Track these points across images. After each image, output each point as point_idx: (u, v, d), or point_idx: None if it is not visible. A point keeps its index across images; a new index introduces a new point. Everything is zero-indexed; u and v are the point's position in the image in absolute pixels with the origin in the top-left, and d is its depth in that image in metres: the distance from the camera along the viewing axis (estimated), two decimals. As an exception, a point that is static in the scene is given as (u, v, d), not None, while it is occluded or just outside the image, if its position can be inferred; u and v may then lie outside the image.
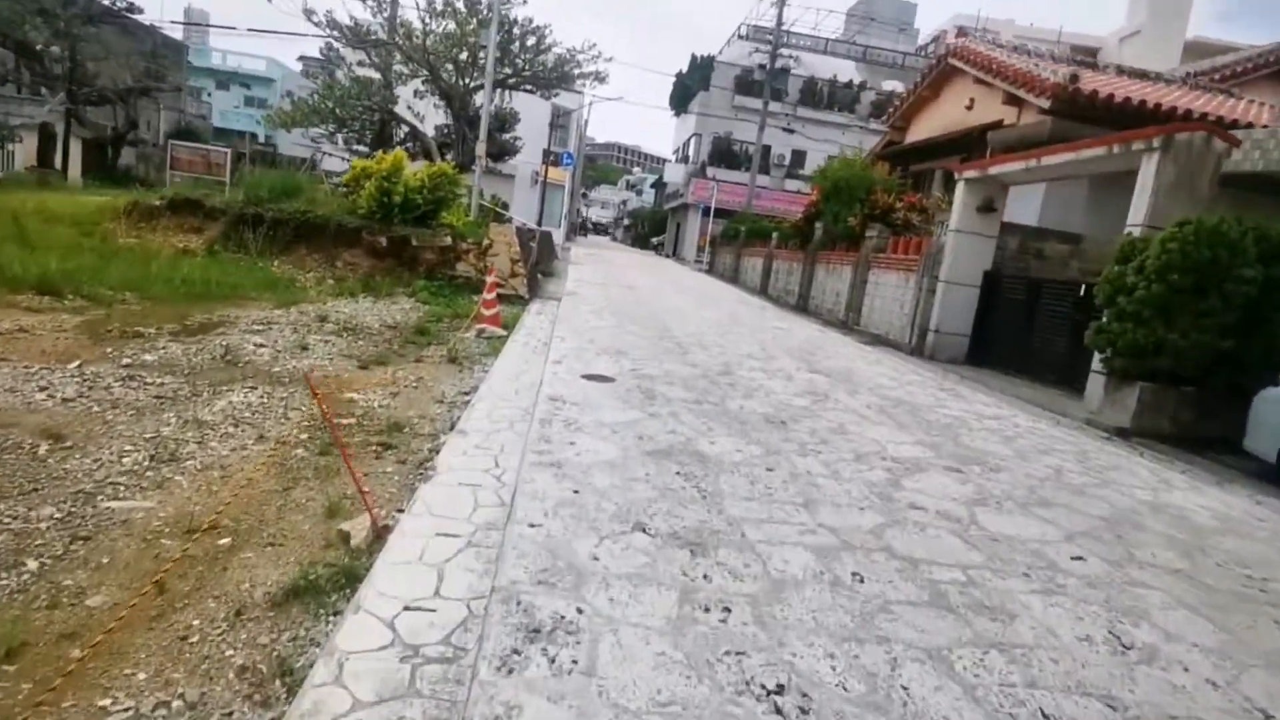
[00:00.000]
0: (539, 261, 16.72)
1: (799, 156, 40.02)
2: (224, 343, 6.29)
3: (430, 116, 26.54)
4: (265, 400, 4.86)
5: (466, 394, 5.64)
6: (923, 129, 17.14)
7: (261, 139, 47.50)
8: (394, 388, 5.58)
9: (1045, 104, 12.31)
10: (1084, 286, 9.33)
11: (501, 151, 28.39)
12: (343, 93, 24.41)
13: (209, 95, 52.14)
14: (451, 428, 4.64)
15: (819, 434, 5.48)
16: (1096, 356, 7.76)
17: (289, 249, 11.08)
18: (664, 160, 74.40)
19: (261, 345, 6.40)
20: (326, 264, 11.05)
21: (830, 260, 16.50)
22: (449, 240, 11.27)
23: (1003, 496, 4.50)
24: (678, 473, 4.18)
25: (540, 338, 8.38)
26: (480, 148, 13.97)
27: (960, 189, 11.27)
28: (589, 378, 6.47)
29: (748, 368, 8.06)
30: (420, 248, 11.23)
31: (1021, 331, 10.47)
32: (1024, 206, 13.54)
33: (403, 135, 27.42)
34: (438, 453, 4.15)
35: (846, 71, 40.13)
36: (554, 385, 6.01)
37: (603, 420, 5.09)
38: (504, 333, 8.50)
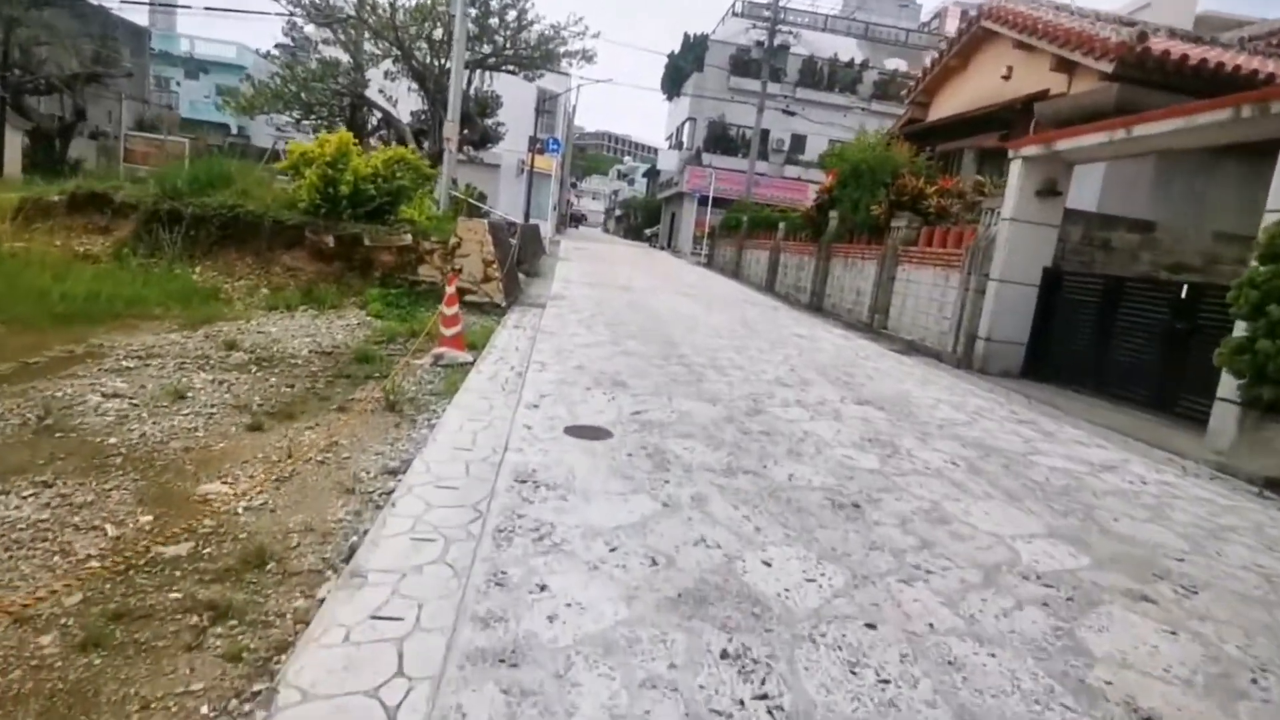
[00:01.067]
0: (522, 260, 14.90)
1: (799, 141, 38.18)
2: (55, 394, 4.47)
3: (405, 101, 24.55)
4: (56, 515, 3.06)
5: (395, 472, 3.85)
6: (949, 104, 15.34)
7: (234, 130, 45.28)
8: (286, 466, 3.79)
9: (1107, 68, 10.53)
10: (1185, 287, 7.60)
11: (483, 138, 26.44)
12: (307, 75, 22.42)
13: (178, 85, 49.76)
14: (348, 557, 2.86)
15: (912, 527, 3.72)
16: (1228, 381, 6.04)
17: (216, 252, 9.23)
18: (656, 150, 72.32)
19: (115, 396, 4.58)
20: (261, 269, 9.20)
21: (849, 254, 14.72)
22: (409, 239, 9.44)
23: (1243, 658, 2.76)
24: (724, 653, 2.41)
25: (514, 364, 6.59)
26: (449, 128, 12.08)
27: (1016, 169, 9.50)
28: (575, 432, 4.69)
29: (781, 400, 6.29)
30: (375, 248, 9.40)
31: (1094, 341, 8.74)
32: (1077, 190, 11.79)
33: (376, 122, 25.49)
34: (306, 623, 2.39)
35: (847, 50, 38.24)
36: (524, 450, 4.23)
37: (593, 524, 3.31)
38: (468, 357, 6.70)
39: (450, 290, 6.79)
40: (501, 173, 35.08)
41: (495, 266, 9.56)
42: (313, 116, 24.06)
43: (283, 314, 8.23)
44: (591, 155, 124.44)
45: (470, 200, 13.50)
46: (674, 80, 42.09)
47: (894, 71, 38.17)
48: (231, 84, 50.40)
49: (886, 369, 8.84)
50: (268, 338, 6.89)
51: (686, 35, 39.48)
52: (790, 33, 34.03)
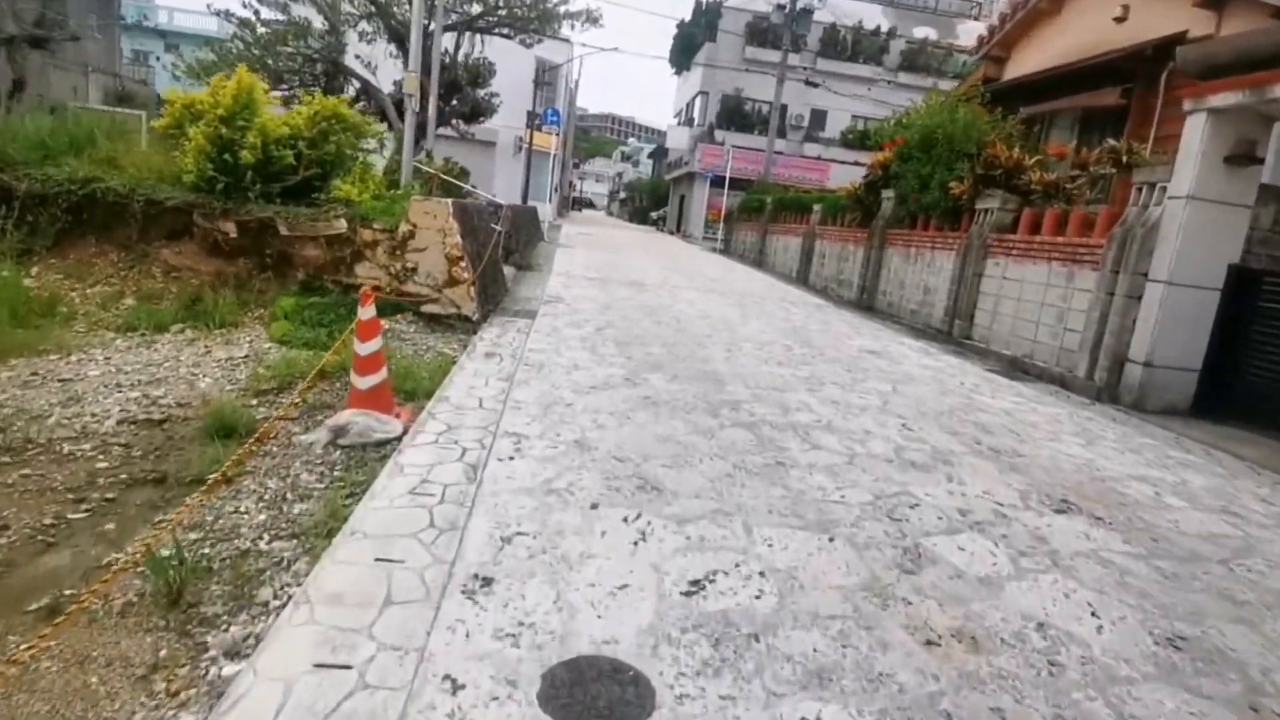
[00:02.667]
0: (513, 250, 12.16)
1: (819, 117, 35.21)
2: None
3: (387, 70, 21.72)
4: None
5: None
6: (1036, 57, 12.47)
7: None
8: None
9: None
10: None
11: (474, 111, 23.55)
12: (271, 36, 19.59)
13: (158, 59, 46.88)
14: None
15: None
16: None
17: (66, 245, 6.53)
18: (661, 132, 69.01)
19: None
20: (130, 270, 6.51)
21: (913, 242, 11.95)
22: (344, 226, 6.73)
23: None
24: None
25: (470, 443, 3.88)
26: (410, 81, 9.27)
27: (1198, 128, 6.73)
28: (564, 679, 2.02)
29: (938, 517, 3.59)
30: (295, 239, 6.69)
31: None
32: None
33: (354, 92, 22.65)
34: None
35: (872, 18, 35.06)
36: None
37: None
38: (395, 427, 4.01)
39: (365, 314, 4.08)
40: (498, 151, 32.18)
41: (464, 264, 6.84)
42: (283, 86, 21.23)
43: (142, 338, 5.55)
44: (595, 138, 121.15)
45: (444, 176, 10.76)
46: (684, 51, 38.96)
47: (923, 40, 35.04)
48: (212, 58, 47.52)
49: (1020, 414, 6.13)
50: (64, 390, 4.22)
51: (698, 1, 36.30)
52: (816, -8, 30.89)
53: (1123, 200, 9.41)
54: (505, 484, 3.35)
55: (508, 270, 11.30)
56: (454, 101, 22.63)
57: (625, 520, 3.10)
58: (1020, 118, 10.87)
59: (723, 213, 29.00)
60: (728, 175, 27.78)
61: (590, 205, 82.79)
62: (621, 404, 4.88)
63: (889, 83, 34.51)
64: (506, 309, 8.31)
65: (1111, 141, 8.37)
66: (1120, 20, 10.65)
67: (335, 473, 3.51)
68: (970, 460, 4.55)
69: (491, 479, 3.39)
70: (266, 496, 3.20)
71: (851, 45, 34.47)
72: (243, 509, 3.06)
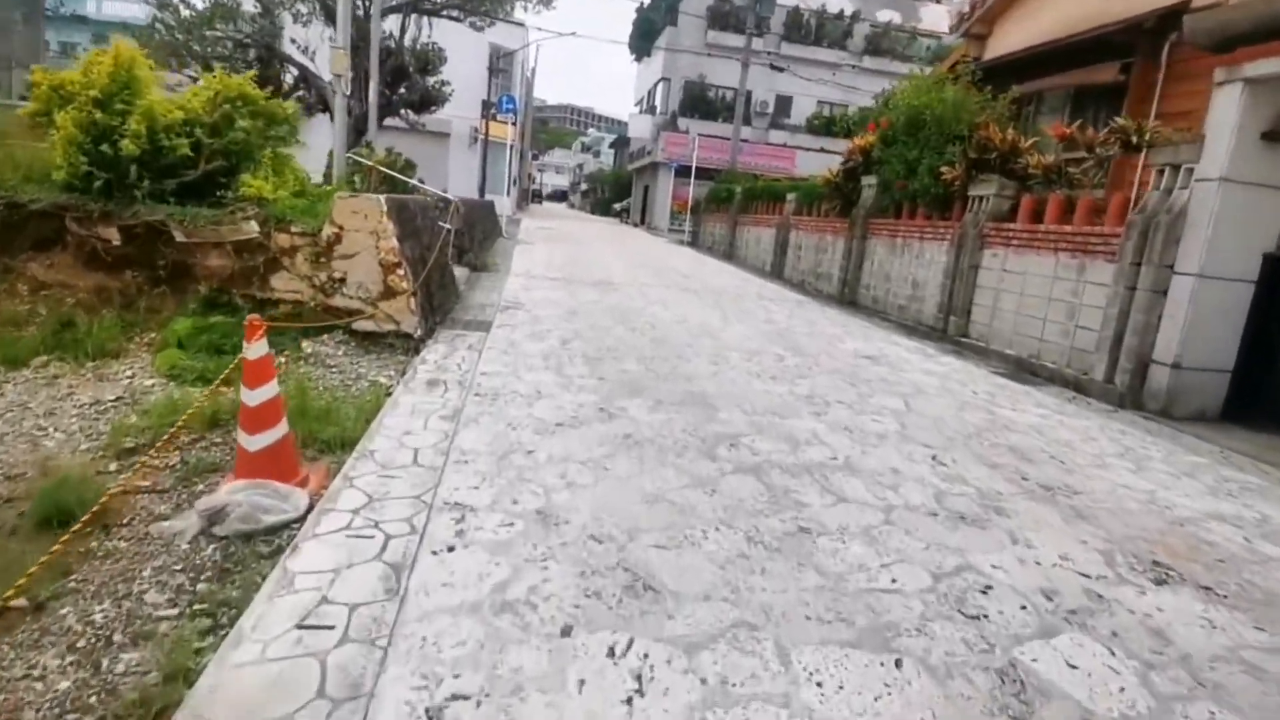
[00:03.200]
0: (466, 251, 11.09)
1: (784, 103, 34.52)
2: None
3: (328, 57, 20.24)
4: None
5: None
6: (1020, 34, 11.77)
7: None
8: None
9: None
10: None
11: (424, 100, 22.17)
12: (196, 19, 17.99)
13: (85, 50, 43.99)
14: None
15: None
16: None
17: (-96, 260, 5.30)
18: (621, 123, 67.68)
19: None
20: (-13, 288, 5.32)
21: (899, 232, 11.20)
22: (255, 229, 5.61)
23: None
24: None
25: (394, 533, 2.90)
26: (337, 60, 8.01)
27: (1230, 100, 6.02)
28: None
29: (1015, 592, 2.73)
30: (194, 246, 5.56)
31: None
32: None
33: (292, 80, 21.09)
34: None
35: (836, 1, 34.41)
36: None
37: None
38: (298, 502, 3.00)
39: (253, 351, 3.05)
40: (451, 142, 30.74)
41: (403, 272, 5.79)
42: (213, 74, 19.61)
43: (-12, 378, 4.40)
44: (554, 129, 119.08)
45: (385, 170, 9.60)
46: (644, 36, 37.87)
47: (887, 24, 34.55)
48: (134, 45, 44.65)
49: (1049, 430, 5.35)
50: None
51: (658, -17, 35.22)
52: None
53: (1127, 184, 8.79)
54: (440, 598, 2.38)
55: (460, 272, 10.22)
56: (402, 89, 21.24)
57: (611, 654, 2.16)
58: (1010, 97, 10.15)
59: (689, 203, 28.08)
60: (694, 165, 26.85)
61: (562, 198, 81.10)
62: (597, 447, 3.93)
63: (854, 67, 33.97)
64: (457, 319, 7.27)
65: (1120, 119, 7.69)
66: (1112, -9, 9.99)
67: (200, 585, 2.50)
68: (1025, 505, 3.72)
69: (421, 590, 2.41)
70: (84, 638, 2.18)
71: (815, 29, 33.80)
72: (40, 667, 2.05)
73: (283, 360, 5.00)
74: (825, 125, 34.01)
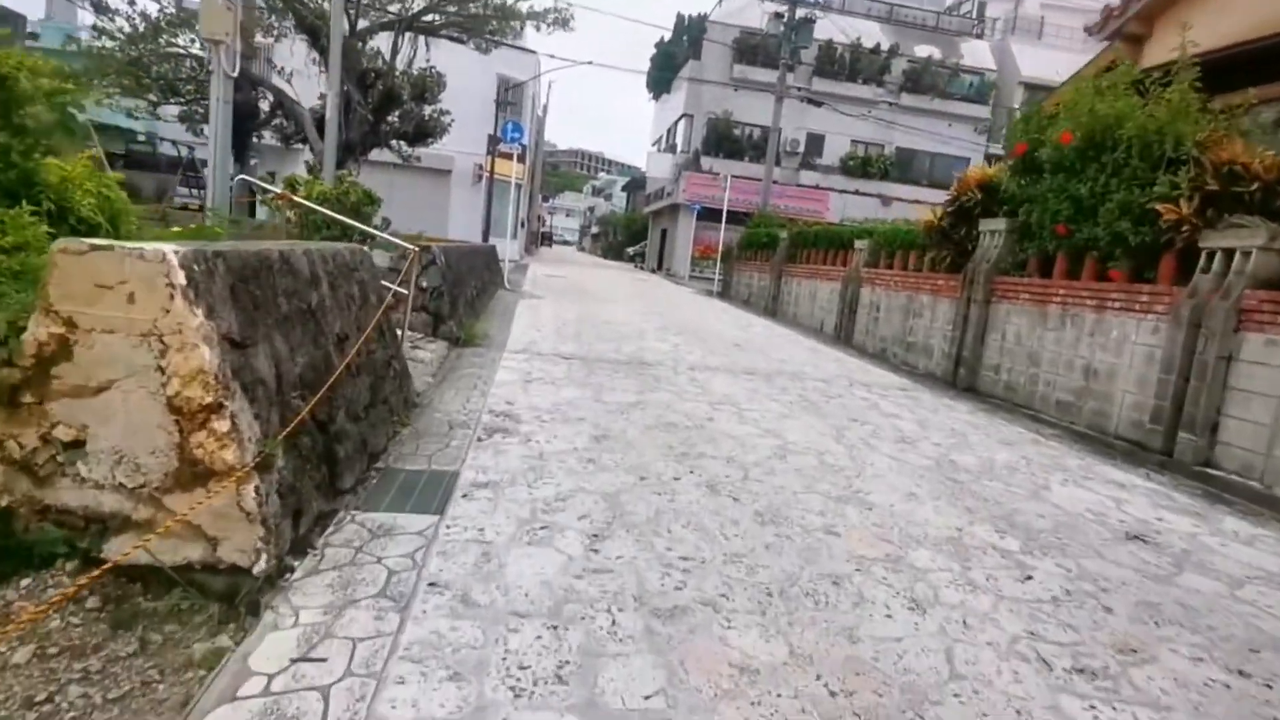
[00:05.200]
0: (444, 319, 7.82)
1: (815, 142, 31.81)
2: None
3: (310, 83, 17.50)
4: None
5: None
6: (1207, 31, 8.67)
7: (141, 136, 37.66)
8: None
9: None
10: None
11: (420, 131, 19.34)
12: (145, 30, 15.22)
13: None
14: None
15: None
16: None
17: None
18: (633, 167, 65.62)
19: None
20: None
21: (1056, 297, 7.87)
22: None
23: None
24: None
25: None
26: (213, 20, 4.97)
27: None
28: None
29: None
30: None
31: None
32: None
33: (268, 107, 18.31)
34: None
35: (870, 36, 31.99)
36: None
37: None
38: None
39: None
40: (453, 180, 28.04)
41: (233, 419, 2.47)
42: (180, 99, 16.85)
43: None
44: (564, 173, 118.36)
45: (319, 208, 6.30)
46: (664, 70, 35.51)
47: (927, 59, 32.01)
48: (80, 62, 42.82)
49: None
50: None
51: (680, 16, 32.94)
52: (814, 1, 27.62)
53: None
54: None
55: (433, 350, 6.95)
56: (393, 118, 18.43)
57: None
58: (1244, 103, 6.98)
59: (719, 249, 25.00)
60: (725, 208, 23.85)
61: (557, 240, 78.99)
62: None
63: (890, 104, 31.34)
64: (388, 475, 3.90)
65: None
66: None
67: None
68: None
69: None
70: None
71: (850, 64, 31.26)
72: None
73: None
74: (861, 166, 31.24)
